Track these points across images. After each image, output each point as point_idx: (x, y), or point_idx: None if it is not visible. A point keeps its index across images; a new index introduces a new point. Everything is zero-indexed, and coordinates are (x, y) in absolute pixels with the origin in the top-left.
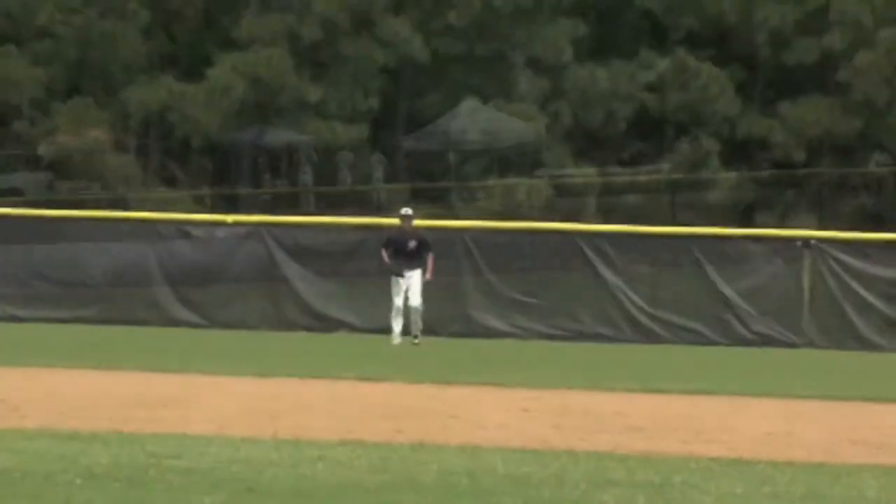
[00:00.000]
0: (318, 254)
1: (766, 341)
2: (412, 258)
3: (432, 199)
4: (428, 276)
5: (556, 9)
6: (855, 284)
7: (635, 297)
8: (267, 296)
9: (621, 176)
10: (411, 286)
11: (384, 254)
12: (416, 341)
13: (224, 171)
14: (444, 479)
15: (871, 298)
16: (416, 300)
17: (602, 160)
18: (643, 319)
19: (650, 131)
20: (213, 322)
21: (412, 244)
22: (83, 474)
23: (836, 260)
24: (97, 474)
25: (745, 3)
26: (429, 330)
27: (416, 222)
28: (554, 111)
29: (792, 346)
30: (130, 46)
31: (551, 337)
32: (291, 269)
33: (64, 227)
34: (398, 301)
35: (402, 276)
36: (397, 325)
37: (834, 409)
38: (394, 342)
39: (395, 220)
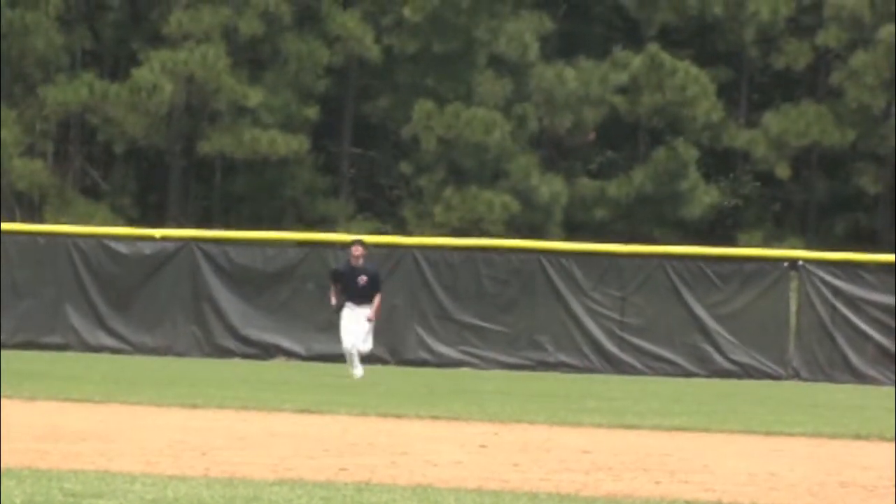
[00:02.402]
0: (254, 273)
1: (747, 372)
2: (363, 295)
3: (380, 214)
4: (371, 315)
5: (520, 2)
6: (846, 310)
7: (603, 323)
8: (197, 319)
9: (589, 188)
10: (360, 327)
11: (332, 291)
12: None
13: (151, 180)
14: None
15: (863, 326)
16: (366, 346)
17: (569, 170)
18: (611, 348)
19: (622, 139)
20: (137, 347)
21: (362, 279)
22: None
23: (826, 283)
24: None
25: None
26: (377, 358)
27: (350, 236)
28: (518, 115)
29: (776, 377)
30: (46, 40)
31: (511, 366)
32: (224, 290)
33: None
34: (348, 340)
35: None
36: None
37: (821, 446)
38: (357, 376)
39: (337, 237)
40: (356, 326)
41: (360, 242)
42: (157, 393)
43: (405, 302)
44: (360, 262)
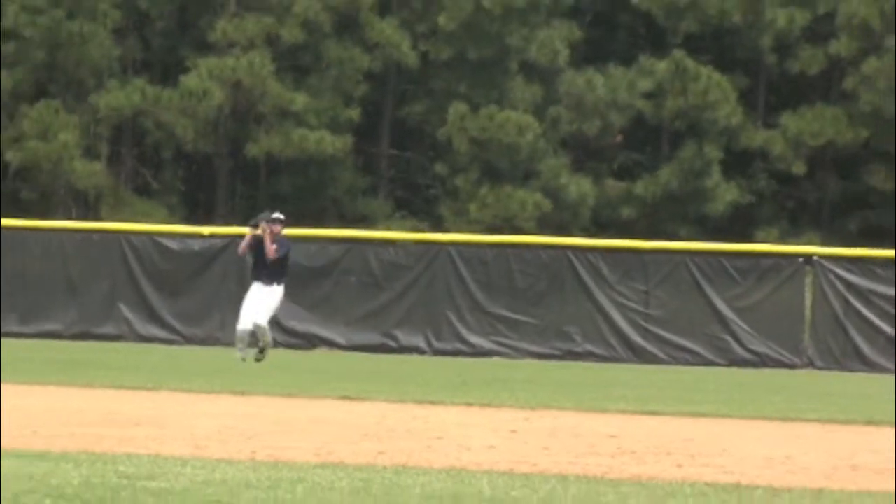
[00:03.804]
0: (297, 268)
1: (764, 362)
2: (272, 275)
3: (416, 212)
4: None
5: (551, 11)
6: (859, 303)
7: (628, 315)
8: None
9: (615, 188)
10: (264, 306)
11: (244, 247)
12: (262, 356)
13: (200, 181)
14: (428, 503)
15: (874, 318)
16: (263, 318)
17: (596, 171)
18: (636, 338)
19: (646, 141)
20: (186, 338)
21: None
22: (53, 495)
23: (840, 278)
24: (67, 495)
25: (752, 4)
26: (414, 347)
27: (401, 235)
28: (551, 118)
29: (791, 366)
30: (101, 49)
31: (541, 356)
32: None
33: (31, 238)
34: (247, 320)
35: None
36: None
37: (835, 432)
38: (241, 356)
39: (377, 234)
40: (260, 306)
41: (280, 221)
42: (206, 381)
43: (441, 295)
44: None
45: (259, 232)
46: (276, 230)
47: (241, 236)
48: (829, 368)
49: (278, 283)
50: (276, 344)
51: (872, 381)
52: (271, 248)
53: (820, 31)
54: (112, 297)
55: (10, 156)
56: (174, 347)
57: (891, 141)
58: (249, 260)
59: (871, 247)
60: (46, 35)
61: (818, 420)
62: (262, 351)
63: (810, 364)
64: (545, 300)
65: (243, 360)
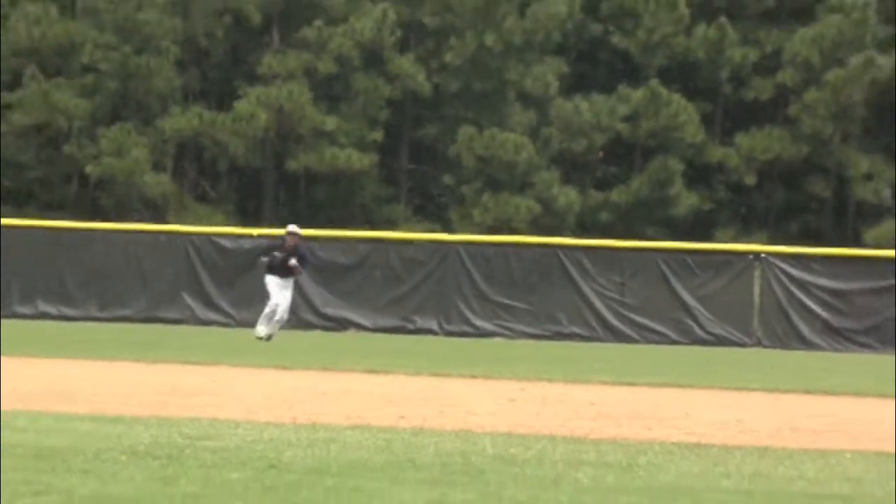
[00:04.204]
0: (331, 264)
1: (720, 341)
2: (289, 274)
3: (430, 216)
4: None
5: (543, 48)
6: (799, 293)
7: (607, 302)
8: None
9: (596, 197)
10: (287, 295)
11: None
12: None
13: (249, 190)
14: (441, 459)
15: (813, 305)
16: (286, 314)
17: (581, 182)
18: (614, 321)
19: (623, 156)
20: (239, 322)
21: (293, 261)
22: (127, 452)
23: (783, 271)
24: (139, 452)
25: (713, 44)
26: (428, 329)
27: (417, 236)
28: (544, 139)
29: (743, 345)
30: (165, 80)
31: (534, 336)
32: (308, 277)
33: (109, 238)
34: (276, 300)
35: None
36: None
37: (778, 400)
38: (262, 334)
39: (397, 235)
40: (283, 299)
41: (296, 234)
42: (255, 358)
43: (450, 286)
44: (293, 244)
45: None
46: (292, 242)
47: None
48: (774, 347)
49: (292, 278)
50: (314, 326)
51: (810, 357)
52: (292, 262)
53: (768, 65)
54: (176, 288)
55: (91, 170)
56: (228, 329)
57: (827, 157)
58: (264, 260)
59: (809, 246)
60: (119, 68)
61: (765, 390)
62: (269, 337)
63: (759, 343)
64: (537, 290)
65: (264, 338)
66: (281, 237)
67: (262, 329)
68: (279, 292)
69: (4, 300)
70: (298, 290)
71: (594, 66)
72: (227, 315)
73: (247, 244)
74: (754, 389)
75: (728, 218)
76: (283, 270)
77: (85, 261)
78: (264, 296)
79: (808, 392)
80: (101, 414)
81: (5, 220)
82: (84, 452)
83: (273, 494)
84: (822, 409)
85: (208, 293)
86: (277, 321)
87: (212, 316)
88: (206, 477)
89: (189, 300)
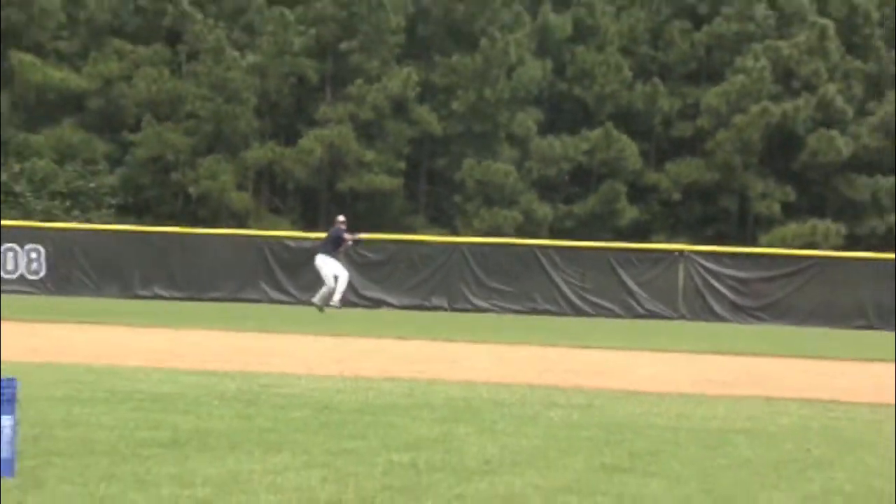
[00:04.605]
0: (368, 259)
1: (654, 315)
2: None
3: (441, 224)
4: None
5: (524, 101)
6: (712, 280)
7: (572, 287)
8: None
9: (564, 210)
10: (343, 271)
11: (348, 238)
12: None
13: (309, 205)
14: (449, 402)
15: (722, 289)
16: (346, 273)
17: (553, 200)
18: (576, 301)
19: (583, 180)
20: (301, 301)
21: (348, 242)
22: (218, 397)
23: (700, 265)
24: (227, 397)
25: (648, 97)
26: (439, 306)
27: (431, 238)
28: (526, 168)
29: (671, 318)
30: (246, 123)
31: (517, 312)
32: (351, 268)
33: (205, 240)
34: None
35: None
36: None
37: (696, 359)
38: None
39: (416, 237)
40: (341, 274)
41: (342, 222)
42: (313, 327)
43: (456, 275)
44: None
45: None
46: (343, 225)
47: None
48: (693, 320)
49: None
50: (356, 305)
51: (719, 327)
52: (348, 237)
53: (690, 112)
54: (255, 276)
55: (192, 190)
56: (293, 307)
57: (733, 181)
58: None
59: (720, 246)
60: (213, 114)
61: (686, 351)
62: (321, 309)
63: (682, 317)
64: (520, 277)
65: (322, 310)
66: (336, 227)
67: (338, 300)
68: (337, 266)
69: (129, 286)
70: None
71: (562, 114)
72: (292, 296)
73: (306, 244)
74: (679, 351)
75: (660, 226)
76: (337, 249)
77: (188, 256)
78: (319, 280)
79: (718, 353)
80: (200, 369)
81: (130, 227)
82: (186, 397)
83: (326, 429)
84: (728, 365)
85: (278, 280)
86: (345, 285)
87: (281, 297)
88: (276, 416)
89: (264, 285)
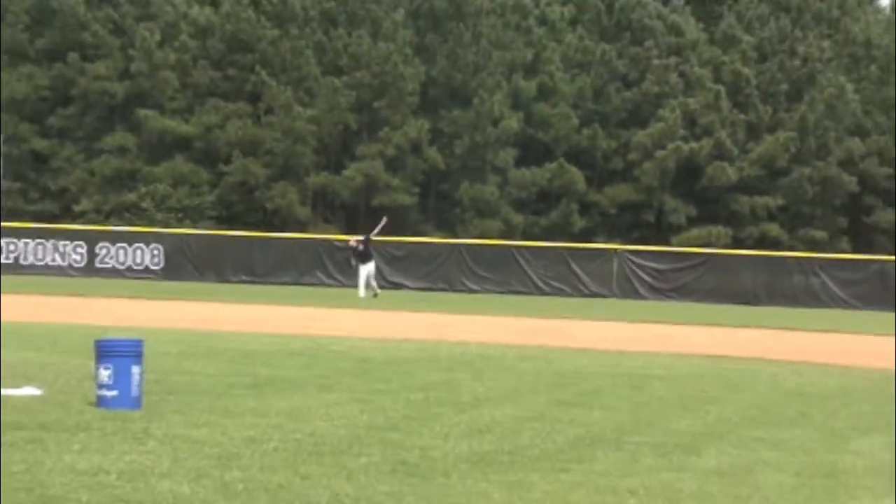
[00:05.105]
0: (391, 254)
1: (596, 295)
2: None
3: (446, 229)
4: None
5: (505, 142)
6: (637, 270)
7: (539, 275)
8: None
9: (532, 221)
10: (369, 268)
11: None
12: (377, 294)
13: (350, 217)
14: (450, 356)
15: (644, 276)
16: (373, 277)
17: (525, 213)
18: (541, 284)
19: (546, 199)
20: (346, 286)
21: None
22: (286, 353)
23: (629, 259)
24: (294, 353)
25: (591, 138)
26: (441, 288)
27: (438, 240)
28: (507, 192)
29: (608, 297)
30: (307, 158)
31: (498, 292)
32: (381, 261)
33: (278, 241)
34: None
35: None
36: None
37: (629, 326)
38: (361, 295)
39: (428, 240)
40: (369, 267)
41: (359, 238)
42: (354, 303)
43: (455, 265)
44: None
45: (356, 240)
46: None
47: (379, 243)
48: (623, 298)
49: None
50: (385, 287)
51: (644, 304)
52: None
53: (622, 150)
54: (312, 266)
55: (269, 206)
56: (340, 289)
57: (654, 200)
58: (350, 258)
59: (643, 245)
60: (283, 152)
61: (621, 320)
62: (375, 294)
63: (616, 296)
64: (501, 268)
65: (363, 297)
66: (357, 240)
67: (362, 291)
68: (366, 267)
69: (223, 274)
70: (377, 268)
71: (530, 152)
72: (339, 282)
73: (353, 243)
74: (613, 320)
75: (600, 231)
76: (361, 256)
77: (267, 253)
78: (357, 274)
79: (641, 322)
80: (274, 332)
81: (224, 232)
82: (264, 353)
83: (364, 375)
84: (652, 331)
85: (329, 270)
86: (373, 282)
87: (331, 282)
88: (328, 366)
89: (319, 273)
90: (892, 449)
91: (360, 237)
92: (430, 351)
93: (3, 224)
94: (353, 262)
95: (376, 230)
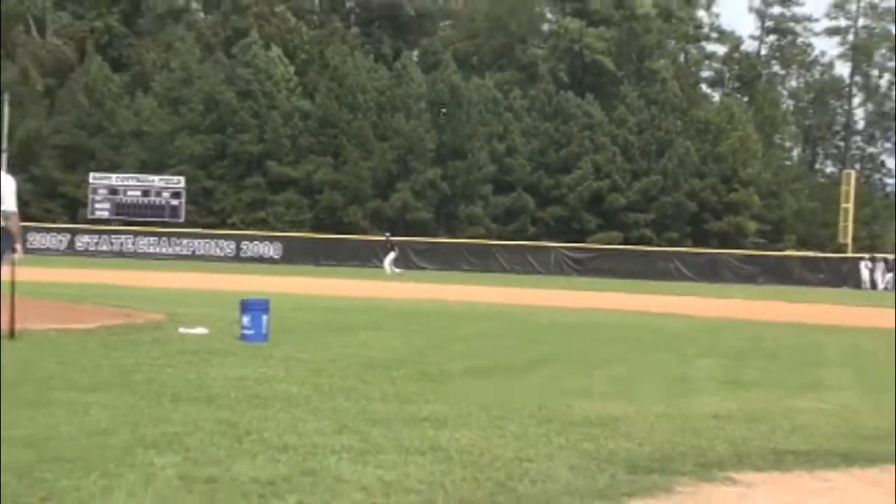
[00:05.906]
0: (415, 248)
1: (542, 273)
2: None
3: (452, 233)
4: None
5: (485, 181)
6: (571, 263)
7: (511, 266)
8: (399, 261)
9: (502, 228)
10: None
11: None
12: (399, 273)
13: (395, 224)
14: (460, 311)
15: (571, 263)
16: (392, 264)
17: (505, 224)
18: (508, 268)
19: (514, 218)
20: (382, 267)
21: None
22: (354, 309)
23: (564, 255)
24: (359, 309)
25: (538, 178)
26: (449, 269)
27: (444, 240)
28: (492, 214)
29: (548, 275)
30: (367, 192)
31: (486, 272)
32: (407, 249)
33: (346, 242)
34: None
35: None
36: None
37: (562, 293)
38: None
39: (441, 240)
40: (391, 255)
41: (387, 234)
42: (386, 280)
43: (458, 258)
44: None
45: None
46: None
47: (408, 242)
48: (558, 275)
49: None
50: (408, 268)
51: (570, 279)
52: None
53: (556, 187)
54: (368, 256)
55: (345, 219)
56: (381, 270)
57: (576, 218)
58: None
59: (577, 242)
60: (330, 185)
61: (553, 289)
62: (401, 273)
63: (553, 274)
64: (486, 260)
65: (389, 274)
66: (388, 237)
67: (388, 270)
68: (389, 256)
69: (316, 259)
70: (405, 256)
71: (501, 187)
72: (382, 267)
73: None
74: (554, 289)
75: (545, 236)
76: (386, 249)
77: (342, 248)
78: (391, 263)
79: (571, 290)
80: (346, 296)
81: (321, 235)
82: (344, 308)
83: (404, 320)
84: (584, 300)
85: (379, 258)
86: (395, 265)
87: (379, 266)
88: (381, 315)
89: (375, 260)
90: (724, 366)
91: (389, 236)
92: (445, 307)
93: (190, 230)
94: (385, 251)
95: (389, 236)
